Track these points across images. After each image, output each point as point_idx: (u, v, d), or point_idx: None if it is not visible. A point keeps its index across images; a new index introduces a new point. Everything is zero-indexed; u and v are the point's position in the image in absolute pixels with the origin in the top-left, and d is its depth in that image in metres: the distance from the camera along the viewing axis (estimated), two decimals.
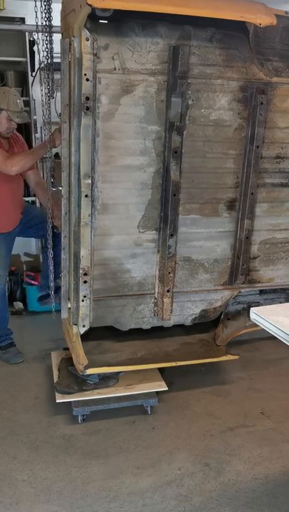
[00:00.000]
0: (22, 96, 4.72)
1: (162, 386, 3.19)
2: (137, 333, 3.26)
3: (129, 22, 2.60)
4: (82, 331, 2.97)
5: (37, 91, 4.53)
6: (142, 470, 2.73)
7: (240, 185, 3.06)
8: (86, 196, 2.73)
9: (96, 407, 3.06)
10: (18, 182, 3.70)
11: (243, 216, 3.10)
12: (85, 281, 2.87)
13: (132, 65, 2.66)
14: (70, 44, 2.55)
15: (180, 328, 3.40)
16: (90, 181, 2.72)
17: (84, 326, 2.96)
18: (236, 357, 3.27)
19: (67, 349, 3.48)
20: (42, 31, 2.98)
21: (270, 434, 3.03)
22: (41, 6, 2.89)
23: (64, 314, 3.07)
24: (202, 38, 2.73)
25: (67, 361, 3.34)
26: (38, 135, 4.91)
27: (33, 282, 4.77)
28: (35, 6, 2.89)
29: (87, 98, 2.57)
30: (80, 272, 2.85)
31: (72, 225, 2.86)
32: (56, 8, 3.00)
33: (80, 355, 2.91)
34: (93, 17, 2.49)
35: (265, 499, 2.53)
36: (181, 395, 3.37)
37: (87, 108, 2.59)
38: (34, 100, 4.82)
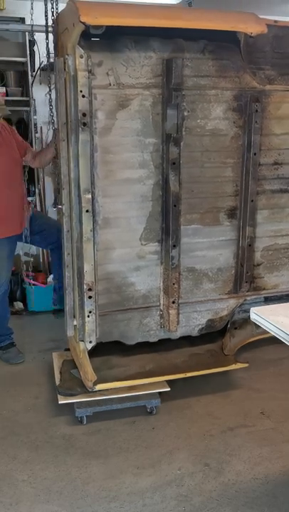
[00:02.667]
0: (22, 96, 4.86)
1: (165, 386, 3.14)
2: (144, 347, 3.23)
3: (121, 38, 2.64)
4: (90, 347, 2.95)
5: (37, 91, 4.67)
6: (142, 470, 2.72)
7: (239, 193, 3.07)
8: (87, 211, 2.74)
9: (99, 408, 3.02)
10: (17, 189, 3.67)
11: (244, 224, 3.10)
12: (90, 297, 2.86)
13: (127, 79, 2.70)
14: (65, 62, 2.58)
15: (186, 340, 3.37)
16: (90, 196, 2.74)
17: (91, 342, 2.95)
18: (246, 365, 3.25)
19: (68, 350, 3.48)
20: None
21: (270, 434, 3.01)
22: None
23: (70, 332, 3.05)
24: (194, 50, 2.77)
25: (69, 363, 3.31)
26: (38, 135, 4.94)
27: (33, 282, 4.75)
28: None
29: (84, 114, 2.60)
30: (85, 287, 2.84)
31: (74, 242, 2.87)
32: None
33: (88, 372, 2.89)
34: (86, 35, 2.53)
35: (265, 499, 2.51)
36: (181, 395, 3.33)
37: (84, 124, 2.61)
38: (34, 100, 4.85)
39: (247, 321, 3.51)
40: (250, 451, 2.86)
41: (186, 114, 2.83)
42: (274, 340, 2.12)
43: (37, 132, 4.95)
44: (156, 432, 3.03)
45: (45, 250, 5.18)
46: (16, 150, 3.63)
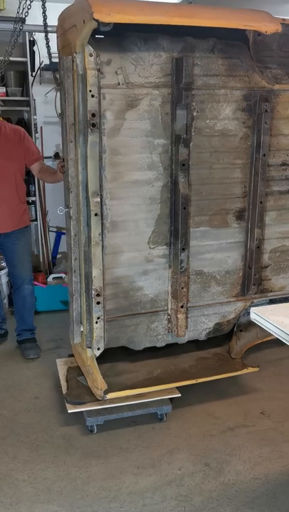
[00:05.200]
0: (22, 96, 4.84)
1: (175, 392, 3.06)
2: (150, 352, 3.17)
3: (130, 36, 2.56)
4: (98, 353, 2.87)
5: (37, 91, 4.64)
6: (142, 470, 2.70)
7: (248, 194, 3.02)
8: (96, 215, 2.66)
9: (110, 417, 2.95)
10: (6, 188, 3.66)
11: (252, 225, 3.05)
12: (98, 302, 2.78)
13: (136, 78, 2.62)
14: (73, 61, 2.49)
15: (192, 344, 3.32)
16: (98, 199, 2.65)
17: (99, 348, 2.86)
18: (256, 369, 3.21)
19: (71, 356, 3.41)
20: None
21: (270, 434, 3.01)
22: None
23: (77, 339, 2.97)
24: (204, 48, 2.70)
25: (75, 370, 3.24)
26: (37, 135, 4.92)
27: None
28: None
29: (93, 115, 2.51)
30: (93, 293, 2.76)
31: (82, 246, 2.78)
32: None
33: (97, 380, 2.81)
34: (92, 32, 2.43)
35: (265, 499, 2.50)
36: (181, 395, 3.24)
37: (94, 125, 2.53)
38: (34, 100, 4.83)
39: (252, 323, 3.46)
40: (250, 451, 2.86)
41: (195, 114, 2.77)
42: (274, 341, 2.11)
43: (37, 132, 4.90)
44: (156, 431, 3.01)
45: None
46: (13, 152, 3.61)
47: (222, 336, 3.38)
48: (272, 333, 2.04)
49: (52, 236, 5.28)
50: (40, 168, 3.77)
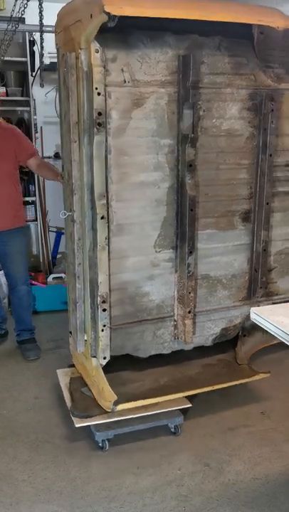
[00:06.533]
0: (22, 96, 4.85)
1: (186, 403, 2.97)
2: (153, 360, 3.06)
3: (136, 32, 2.47)
4: (104, 363, 2.75)
5: (37, 91, 4.61)
6: (142, 470, 2.70)
7: (254, 195, 2.96)
8: (102, 218, 2.55)
9: (121, 430, 2.83)
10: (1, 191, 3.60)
11: (258, 227, 2.99)
12: (104, 309, 2.67)
13: (142, 76, 2.53)
14: (77, 58, 2.39)
15: (196, 350, 3.22)
16: (105, 202, 2.55)
17: (105, 357, 2.75)
18: (267, 375, 3.14)
19: (72, 366, 3.33)
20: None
21: (270, 434, 3.01)
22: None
23: (80, 348, 2.84)
24: (210, 46, 2.64)
25: (77, 381, 3.13)
26: (38, 135, 4.92)
27: (33, 282, 4.64)
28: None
29: (100, 113, 2.41)
30: (99, 299, 2.64)
31: (86, 251, 2.67)
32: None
33: (105, 391, 2.69)
34: None
35: (265, 499, 2.51)
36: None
37: (100, 124, 2.43)
38: (34, 100, 4.83)
39: (256, 327, 3.40)
40: (250, 451, 2.86)
41: (201, 113, 2.69)
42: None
43: (37, 132, 4.88)
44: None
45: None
46: (4, 151, 3.57)
47: (225, 341, 3.30)
48: (272, 333, 2.03)
49: (52, 236, 5.26)
50: (38, 163, 3.71)
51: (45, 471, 2.69)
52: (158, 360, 3.10)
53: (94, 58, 2.34)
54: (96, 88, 2.38)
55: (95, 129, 2.42)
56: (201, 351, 3.25)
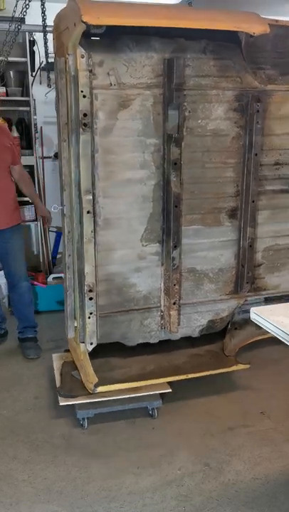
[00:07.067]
0: (22, 96, 4.90)
1: (166, 388, 3.12)
2: (144, 348, 3.21)
3: (122, 38, 2.62)
4: (90, 348, 2.93)
5: (37, 91, 4.68)
6: (142, 470, 2.72)
7: (240, 193, 3.06)
8: (88, 212, 2.72)
9: (100, 410, 3.00)
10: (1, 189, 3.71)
11: (245, 224, 3.09)
12: (91, 298, 2.84)
13: (128, 79, 2.67)
14: (66, 62, 2.56)
15: (186, 341, 3.36)
16: (91, 197, 2.71)
17: (91, 343, 2.92)
18: (247, 366, 3.24)
19: (68, 351, 3.46)
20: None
21: (270, 434, 3.02)
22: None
23: (70, 333, 3.03)
24: (196, 49, 2.75)
25: (69, 365, 3.29)
26: (38, 135, 4.95)
27: (33, 282, 4.71)
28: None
29: (85, 114, 2.57)
30: (85, 288, 2.82)
31: (75, 243, 2.84)
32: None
33: (89, 374, 2.87)
34: (86, 34, 2.50)
35: (265, 499, 2.51)
36: (181, 395, 3.32)
37: (85, 124, 2.59)
38: (34, 100, 4.85)
39: (247, 321, 3.50)
40: (250, 451, 2.86)
41: (187, 114, 2.81)
42: (274, 341, 2.13)
43: (37, 132, 4.94)
44: (156, 431, 3.03)
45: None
46: (2, 150, 3.67)
47: (216, 333, 3.41)
48: (272, 333, 2.05)
49: (52, 236, 5.28)
50: (22, 173, 3.86)
51: (45, 471, 2.70)
52: (148, 349, 3.25)
53: (80, 63, 2.50)
54: (82, 91, 2.54)
55: (81, 129, 2.59)
56: (190, 342, 3.39)
